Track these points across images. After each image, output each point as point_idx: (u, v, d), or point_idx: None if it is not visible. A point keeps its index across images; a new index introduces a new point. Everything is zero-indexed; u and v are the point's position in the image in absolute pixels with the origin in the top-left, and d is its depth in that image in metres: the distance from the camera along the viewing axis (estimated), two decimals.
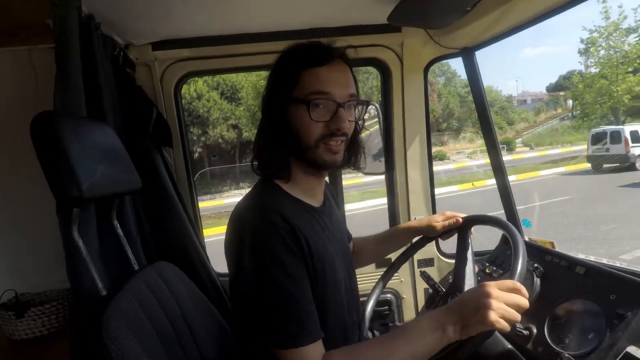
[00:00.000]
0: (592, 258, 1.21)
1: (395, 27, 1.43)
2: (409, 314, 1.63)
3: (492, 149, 1.56)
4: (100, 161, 0.81)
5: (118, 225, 0.98)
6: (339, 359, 0.71)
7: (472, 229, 1.10)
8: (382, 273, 1.27)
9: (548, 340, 0.94)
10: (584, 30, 23.75)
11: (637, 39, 17.60)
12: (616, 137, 11.98)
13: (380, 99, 1.59)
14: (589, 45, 18.75)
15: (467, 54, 1.47)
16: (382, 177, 1.69)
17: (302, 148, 0.82)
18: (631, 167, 11.39)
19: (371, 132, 1.67)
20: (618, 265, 1.11)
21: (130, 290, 0.80)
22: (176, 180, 1.36)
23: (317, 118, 0.80)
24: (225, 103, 18.84)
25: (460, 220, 1.09)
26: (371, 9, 1.25)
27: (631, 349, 0.78)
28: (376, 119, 1.64)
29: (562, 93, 38.39)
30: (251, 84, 15.98)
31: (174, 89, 1.45)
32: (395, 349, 0.69)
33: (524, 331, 0.99)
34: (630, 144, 11.64)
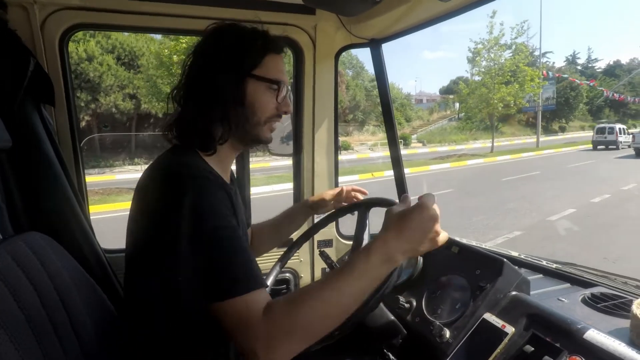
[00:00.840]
0: (464, 240, 1.39)
1: (309, 10, 1.42)
2: None
3: (392, 141, 1.68)
4: None
5: None
6: (282, 306, 0.68)
7: (371, 212, 1.17)
8: (282, 253, 1.29)
9: (424, 311, 1.06)
10: (471, 41, 27.10)
11: (511, 54, 20.74)
12: (611, 130, 22.40)
13: (292, 79, 1.57)
14: (475, 55, 21.41)
15: (375, 45, 1.54)
16: (289, 161, 1.69)
17: (252, 123, 0.86)
18: (617, 147, 21.32)
19: None
20: (485, 246, 1.31)
21: None
22: (58, 145, 1.16)
23: (279, 100, 0.87)
24: (122, 70, 16.82)
25: (344, 190, 1.24)
26: None
27: (487, 316, 0.92)
28: None
29: (451, 96, 43.30)
30: (154, 52, 14.51)
31: (59, 41, 1.22)
32: (344, 288, 0.68)
33: (405, 304, 1.10)
34: (619, 135, 22.06)
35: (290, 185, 1.72)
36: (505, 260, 0.97)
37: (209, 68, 0.82)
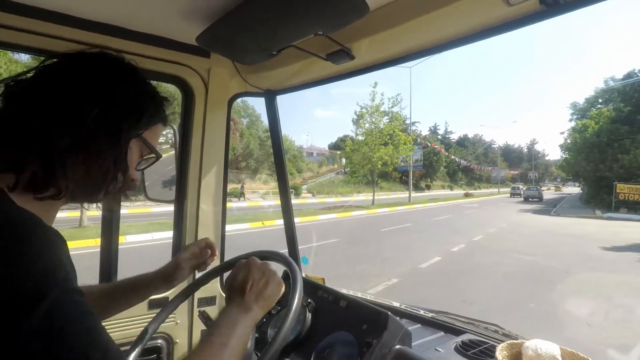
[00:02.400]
0: (351, 292, 1.41)
1: (204, 52, 1.37)
2: None
3: (283, 191, 1.67)
4: None
5: None
6: None
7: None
8: (154, 315, 1.10)
9: None
10: (357, 105, 30.73)
11: (388, 121, 23.84)
12: (517, 188, 43.27)
13: (180, 121, 1.46)
14: (359, 118, 24.01)
15: (270, 95, 1.56)
16: (172, 207, 1.52)
17: (112, 182, 0.68)
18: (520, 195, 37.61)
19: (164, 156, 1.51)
20: (371, 298, 1.33)
21: None
22: None
23: (140, 168, 0.76)
24: None
25: (207, 244, 1.05)
26: (181, 25, 1.16)
27: None
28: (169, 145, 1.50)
29: (338, 152, 47.00)
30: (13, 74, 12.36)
31: None
32: (220, 353, 0.65)
33: None
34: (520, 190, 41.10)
35: (171, 234, 1.53)
36: (389, 313, 0.99)
37: (99, 98, 0.64)
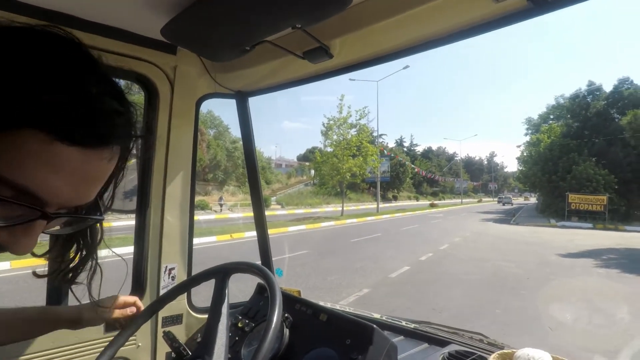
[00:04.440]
0: (329, 305, 1.33)
1: (170, 48, 1.27)
2: None
3: (256, 201, 1.58)
4: None
5: None
6: None
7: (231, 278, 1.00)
8: (111, 338, 0.97)
9: None
10: (325, 117, 31.09)
11: (355, 132, 24.18)
12: (502, 197, 61.12)
13: (142, 123, 1.34)
14: (328, 129, 24.18)
15: (241, 98, 1.48)
16: (132, 221, 1.39)
17: None
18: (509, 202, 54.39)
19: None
20: (350, 310, 1.26)
21: None
22: None
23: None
24: None
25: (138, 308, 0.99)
26: (144, 16, 1.06)
27: None
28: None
29: (307, 163, 47.12)
30: None
31: None
32: None
33: None
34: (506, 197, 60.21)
35: (130, 249, 1.39)
36: (375, 327, 0.92)
37: None
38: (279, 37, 1.08)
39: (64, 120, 0.38)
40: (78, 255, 0.58)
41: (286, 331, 1.05)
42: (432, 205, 43.26)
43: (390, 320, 1.30)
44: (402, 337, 1.21)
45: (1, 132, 0.37)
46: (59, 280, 0.59)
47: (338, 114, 23.79)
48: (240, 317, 1.22)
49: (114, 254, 0.66)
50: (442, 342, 1.13)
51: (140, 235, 1.34)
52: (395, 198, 49.87)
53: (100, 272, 0.61)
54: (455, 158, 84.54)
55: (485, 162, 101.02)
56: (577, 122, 30.84)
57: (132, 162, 1.45)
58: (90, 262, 0.59)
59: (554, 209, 27.68)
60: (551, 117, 36.75)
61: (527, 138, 37.60)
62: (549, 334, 4.68)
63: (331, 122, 23.95)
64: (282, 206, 30.72)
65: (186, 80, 1.35)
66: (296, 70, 1.25)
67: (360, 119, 24.86)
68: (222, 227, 14.79)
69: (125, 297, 0.96)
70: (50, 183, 0.40)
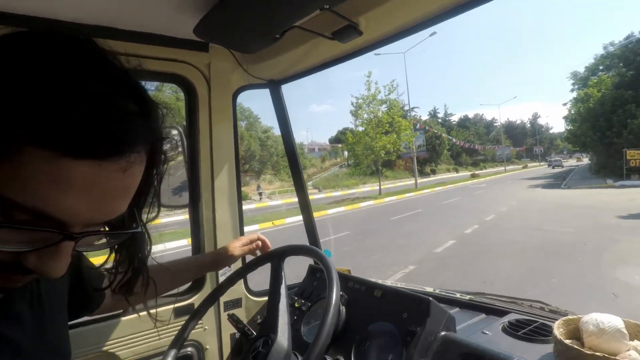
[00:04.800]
0: (380, 282, 1.34)
1: (202, 46, 1.31)
2: None
3: (300, 186, 1.61)
4: None
5: None
6: None
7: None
8: (181, 323, 1.06)
9: None
10: (352, 97, 30.63)
11: (386, 109, 23.65)
12: (552, 160, 55.17)
13: (185, 122, 1.40)
14: (357, 109, 23.82)
15: (274, 86, 1.49)
16: (183, 216, 1.47)
17: None
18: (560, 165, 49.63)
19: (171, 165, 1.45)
20: (402, 285, 1.27)
21: None
22: None
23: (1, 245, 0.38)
24: None
25: (260, 238, 1.11)
26: (176, 18, 1.09)
27: None
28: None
29: (339, 145, 46.89)
30: None
31: None
32: None
33: None
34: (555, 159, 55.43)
35: (185, 242, 1.48)
36: (431, 299, 0.92)
37: None
38: (307, 20, 1.08)
39: (66, 132, 0.35)
40: (130, 267, 0.56)
41: (342, 308, 1.08)
42: (473, 176, 41.78)
43: (443, 294, 1.30)
44: (457, 309, 1.21)
45: (3, 154, 0.34)
46: (117, 292, 0.58)
47: (366, 92, 23.31)
48: (296, 298, 1.27)
49: (167, 249, 0.69)
50: (500, 312, 1.11)
51: (196, 228, 1.41)
52: (433, 172, 48.57)
53: (154, 284, 0.61)
54: (495, 124, 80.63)
55: (529, 125, 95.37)
56: (632, 70, 27.99)
57: (180, 159, 1.52)
58: (143, 273, 0.57)
59: (610, 169, 25.71)
60: (600, 68, 33.74)
61: (574, 94, 34.97)
62: (613, 300, 4.45)
63: (360, 100, 23.56)
64: (319, 190, 30.96)
65: (221, 76, 1.38)
66: (326, 51, 1.24)
67: (389, 94, 24.25)
68: (263, 215, 15.21)
69: (250, 236, 1.09)
70: (64, 203, 0.37)
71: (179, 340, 1.02)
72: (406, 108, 34.62)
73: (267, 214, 15.84)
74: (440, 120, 68.21)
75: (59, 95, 0.34)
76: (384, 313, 0.99)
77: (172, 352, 0.99)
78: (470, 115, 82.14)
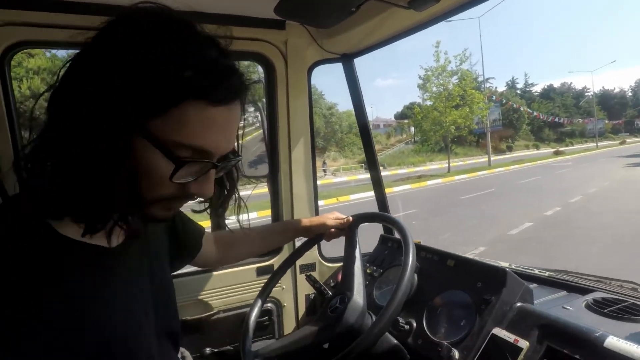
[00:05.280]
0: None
1: (279, 24, 1.37)
2: (289, 323, 1.55)
3: (372, 162, 1.65)
4: None
5: None
6: None
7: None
8: (263, 280, 1.18)
9: (427, 332, 0.97)
10: (421, 68, 29.06)
11: (457, 80, 22.14)
12: None
13: (265, 97, 1.50)
14: (425, 82, 22.62)
15: (347, 60, 1.52)
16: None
17: (133, 199, 0.51)
18: None
19: (247, 139, 1.57)
20: (475, 258, 1.26)
21: None
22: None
23: (178, 179, 0.52)
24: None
25: (350, 219, 1.11)
26: (257, 0, 1.17)
27: (496, 331, 0.86)
28: (254, 126, 1.56)
29: (406, 121, 45.32)
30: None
31: (0, 59, 1.08)
32: None
33: (405, 326, 1.01)
34: None
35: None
36: (507, 269, 0.92)
37: (86, 87, 0.47)
38: None
39: (208, 87, 0.50)
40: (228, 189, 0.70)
41: (415, 276, 1.12)
42: (556, 153, 37.76)
43: (520, 269, 1.27)
44: (535, 284, 1.17)
45: (171, 108, 0.48)
46: (214, 214, 0.71)
47: (435, 63, 21.95)
48: (367, 265, 1.33)
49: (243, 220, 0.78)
50: (583, 290, 1.06)
51: (275, 198, 1.53)
52: (509, 149, 44.84)
53: (245, 207, 0.74)
54: (586, 94, 71.34)
55: (630, 94, 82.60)
56: None
57: (254, 135, 1.64)
58: (235, 197, 0.71)
59: None
60: None
61: None
62: None
63: (428, 72, 22.28)
64: (384, 167, 30.50)
65: (297, 52, 1.45)
66: (401, 22, 1.23)
67: (460, 65, 22.55)
68: (328, 191, 15.48)
69: (338, 213, 1.16)
70: (212, 139, 0.52)
71: (262, 295, 1.14)
72: (480, 79, 32.13)
73: (332, 190, 16.10)
74: (519, 92, 62.20)
75: (203, 65, 0.50)
76: (457, 282, 1.01)
77: (258, 304, 1.12)
78: (556, 85, 73.41)
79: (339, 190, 15.82)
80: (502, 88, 60.06)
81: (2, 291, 0.46)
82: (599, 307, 0.91)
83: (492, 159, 28.54)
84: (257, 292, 1.14)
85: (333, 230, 1.14)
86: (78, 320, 0.51)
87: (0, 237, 0.49)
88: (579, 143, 56.59)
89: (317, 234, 1.17)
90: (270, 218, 1.56)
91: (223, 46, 0.55)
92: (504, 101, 41.67)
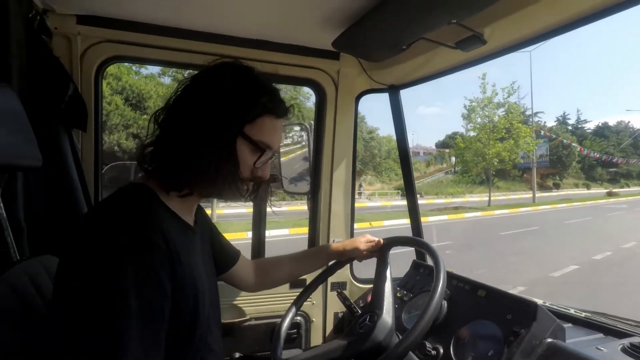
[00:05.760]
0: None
1: (334, 55, 1.50)
2: (316, 338, 1.60)
3: (410, 190, 1.70)
4: None
5: (1, 205, 0.79)
6: None
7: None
8: (295, 293, 1.24)
9: (453, 359, 1.00)
10: (466, 99, 28.64)
11: (503, 113, 21.57)
12: None
13: (314, 120, 1.62)
14: (470, 112, 22.22)
15: (393, 91, 1.61)
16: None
17: (234, 177, 0.77)
18: None
19: (291, 156, 1.69)
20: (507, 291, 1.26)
21: (6, 280, 0.65)
22: (82, 169, 1.17)
23: (258, 164, 0.81)
24: (129, 110, 17.32)
25: (382, 242, 1.16)
26: (317, 33, 1.30)
27: None
28: (299, 144, 1.67)
29: (447, 150, 44.39)
30: (161, 95, 15.08)
31: (96, 70, 1.28)
32: None
33: (432, 351, 1.04)
34: None
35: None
36: (538, 304, 0.93)
37: (201, 106, 0.75)
38: (433, 32, 1.16)
39: (274, 107, 0.80)
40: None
41: (444, 303, 1.14)
42: (610, 194, 35.15)
43: (554, 307, 1.25)
44: (570, 324, 1.16)
45: (255, 119, 0.78)
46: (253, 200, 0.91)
47: (481, 94, 21.57)
48: (398, 289, 1.37)
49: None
50: (622, 334, 1.04)
51: (314, 215, 1.62)
52: (557, 186, 42.40)
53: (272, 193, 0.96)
54: None
55: None
56: None
57: (299, 153, 1.76)
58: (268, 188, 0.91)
59: None
60: None
61: None
62: None
63: (473, 103, 21.93)
64: (421, 195, 29.86)
65: (347, 81, 1.56)
66: (447, 59, 1.30)
67: (508, 97, 22.01)
68: (362, 215, 15.37)
69: (369, 236, 1.21)
70: (273, 139, 0.82)
71: (293, 308, 1.19)
72: (528, 112, 31.08)
73: (366, 214, 15.98)
74: (570, 128, 59.26)
75: (270, 93, 0.81)
76: (486, 312, 1.03)
77: (290, 315, 1.17)
78: (612, 123, 69.18)
79: (373, 214, 15.67)
80: (551, 123, 57.57)
81: (137, 231, 0.66)
82: (637, 352, 0.90)
83: (537, 195, 27.16)
84: (289, 304, 1.20)
85: (365, 252, 1.18)
86: (176, 259, 0.70)
87: (135, 202, 0.73)
88: (636, 185, 52.42)
89: (349, 258, 1.22)
90: (300, 236, 1.64)
91: (276, 81, 0.85)
92: (553, 137, 39.84)
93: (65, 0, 1.15)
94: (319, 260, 1.26)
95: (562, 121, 61.44)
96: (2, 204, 0.85)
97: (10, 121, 0.75)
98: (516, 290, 5.70)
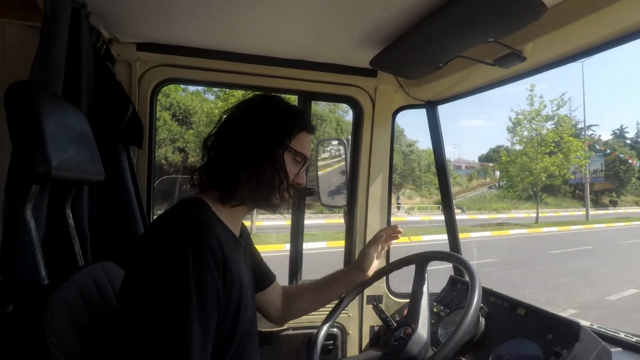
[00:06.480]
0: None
1: (371, 72, 1.55)
2: (352, 350, 1.61)
3: (447, 205, 1.70)
4: (71, 143, 0.77)
5: (71, 215, 0.90)
6: None
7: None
8: (332, 305, 1.26)
9: None
10: (512, 111, 27.42)
11: (553, 126, 20.46)
12: None
13: (351, 135, 1.68)
14: (516, 125, 21.28)
15: (431, 107, 1.63)
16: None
17: (283, 185, 0.91)
18: None
19: (329, 170, 1.74)
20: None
21: (76, 283, 0.74)
22: (138, 183, 1.29)
23: (300, 172, 0.96)
24: (175, 125, 18.34)
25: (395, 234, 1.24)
26: (355, 52, 1.36)
27: None
28: (336, 158, 1.72)
29: (491, 164, 42.57)
30: (205, 111, 15.89)
31: (152, 92, 1.42)
32: None
33: None
34: None
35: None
36: (581, 324, 0.91)
37: (252, 129, 0.88)
38: (471, 49, 1.18)
39: (307, 125, 0.96)
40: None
41: (482, 319, 1.13)
42: None
43: (603, 330, 1.19)
44: (619, 348, 1.10)
45: (296, 135, 0.93)
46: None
47: (528, 107, 20.62)
48: (435, 304, 1.36)
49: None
50: None
51: (350, 227, 1.66)
52: (613, 203, 39.13)
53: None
54: None
55: None
56: None
57: (336, 167, 1.82)
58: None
59: None
60: None
61: None
62: None
63: (520, 116, 21.00)
64: (462, 210, 28.76)
65: (384, 97, 1.61)
66: (486, 76, 1.31)
67: (557, 110, 20.87)
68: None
69: (385, 230, 1.25)
70: (307, 151, 0.96)
71: (329, 320, 1.19)
72: (580, 125, 29.25)
73: (404, 228, 15.59)
74: (629, 142, 54.95)
75: (302, 115, 0.98)
76: (526, 331, 1.01)
77: (325, 327, 1.18)
78: None
79: (411, 229, 15.31)
80: (607, 136, 53.66)
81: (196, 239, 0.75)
82: None
83: (590, 212, 25.29)
84: (325, 316, 1.21)
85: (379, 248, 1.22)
86: (227, 264, 0.78)
87: (195, 212, 0.84)
88: None
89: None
90: (338, 249, 1.68)
91: (315, 98, 1.02)
92: (609, 151, 37.10)
93: (127, 30, 1.29)
94: (345, 282, 1.22)
95: (620, 134, 57.09)
96: (71, 214, 0.95)
97: (80, 140, 0.85)
98: (566, 312, 5.33)
